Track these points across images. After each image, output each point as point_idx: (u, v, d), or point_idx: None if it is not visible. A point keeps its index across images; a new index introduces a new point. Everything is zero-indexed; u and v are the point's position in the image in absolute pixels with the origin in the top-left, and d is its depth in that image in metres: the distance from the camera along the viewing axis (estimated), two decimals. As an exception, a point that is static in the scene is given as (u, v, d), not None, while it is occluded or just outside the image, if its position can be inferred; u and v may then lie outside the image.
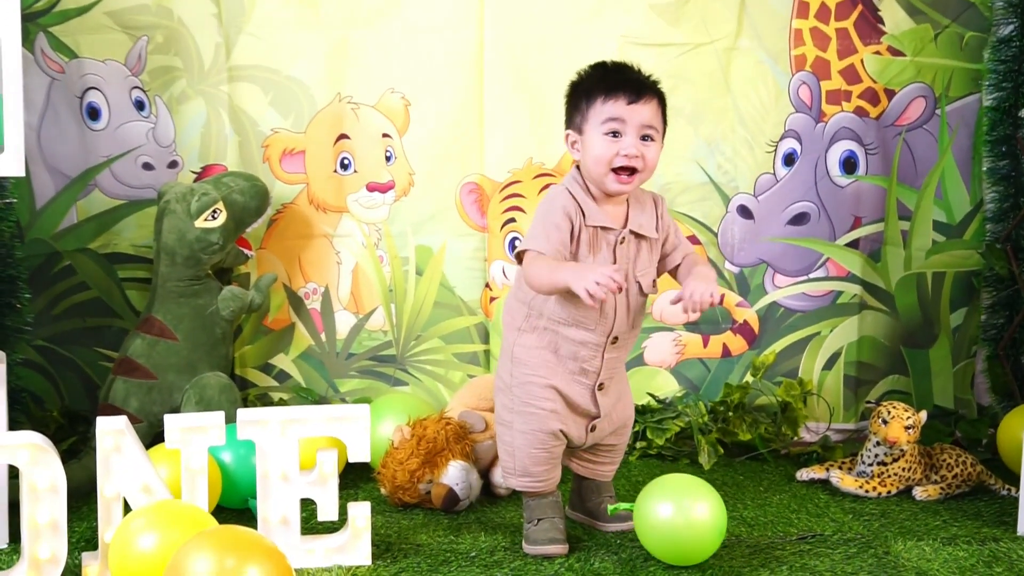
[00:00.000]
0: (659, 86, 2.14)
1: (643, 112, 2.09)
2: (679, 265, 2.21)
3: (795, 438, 2.84)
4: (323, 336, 2.89)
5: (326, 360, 2.90)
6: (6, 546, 2.14)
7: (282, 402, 2.86)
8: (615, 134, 2.08)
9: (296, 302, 2.88)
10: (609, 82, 2.11)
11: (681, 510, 2.02)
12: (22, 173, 2.10)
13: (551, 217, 2.10)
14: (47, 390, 2.82)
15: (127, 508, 1.98)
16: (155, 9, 2.76)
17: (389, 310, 2.89)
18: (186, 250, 2.61)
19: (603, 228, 2.12)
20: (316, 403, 2.83)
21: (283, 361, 2.90)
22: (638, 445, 2.77)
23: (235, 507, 2.34)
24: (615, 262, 2.12)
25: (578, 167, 2.16)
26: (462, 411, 2.55)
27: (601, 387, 2.18)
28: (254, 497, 2.09)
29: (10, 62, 2.06)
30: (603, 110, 2.09)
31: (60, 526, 1.91)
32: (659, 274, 2.22)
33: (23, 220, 2.75)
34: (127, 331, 2.72)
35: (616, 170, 2.09)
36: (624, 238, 2.13)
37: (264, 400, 2.86)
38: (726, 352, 2.92)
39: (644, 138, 2.10)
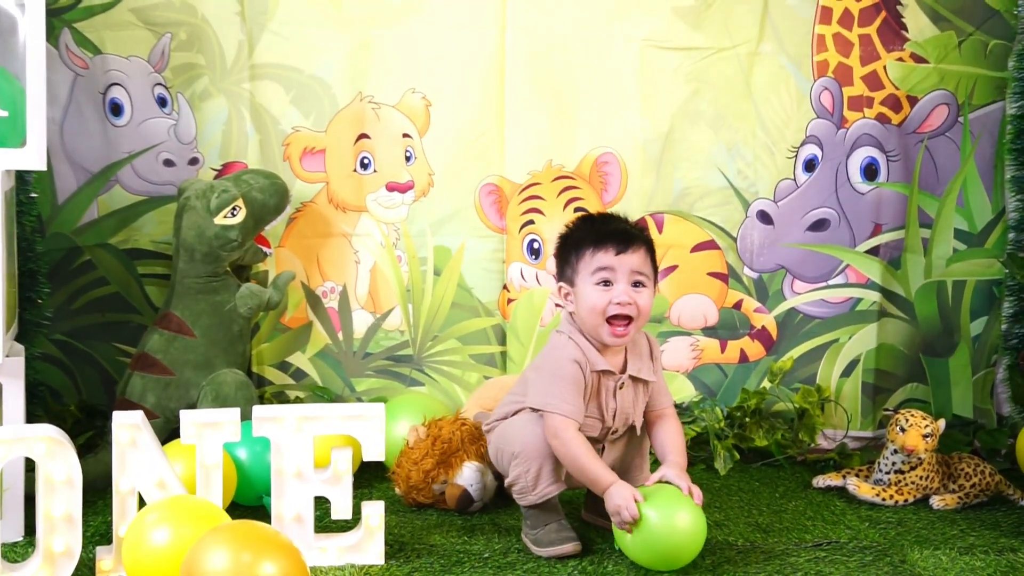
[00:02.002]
0: (646, 234, 2.16)
1: (632, 260, 2.11)
2: (655, 421, 2.24)
3: (812, 445, 2.82)
4: (340, 335, 2.90)
5: (343, 359, 2.90)
6: (21, 539, 2.15)
7: (298, 400, 2.86)
8: (606, 283, 2.10)
9: (314, 301, 2.89)
10: (597, 233, 2.13)
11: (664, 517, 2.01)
12: (43, 167, 2.12)
13: (564, 371, 2.11)
14: (65, 384, 2.83)
15: (142, 503, 1.98)
16: (179, 6, 2.78)
17: (406, 310, 2.90)
18: (205, 247, 2.61)
19: (604, 372, 2.14)
20: (332, 402, 2.83)
21: (300, 359, 2.90)
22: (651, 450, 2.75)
23: (249, 504, 2.34)
24: (616, 407, 2.16)
25: (571, 316, 2.18)
26: (478, 412, 2.55)
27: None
28: (268, 494, 2.09)
29: (34, 57, 2.07)
30: (593, 260, 2.11)
31: (75, 519, 1.91)
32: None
33: (44, 214, 2.76)
34: (145, 327, 2.73)
35: (610, 320, 2.10)
36: (623, 383, 2.16)
37: (280, 398, 2.87)
38: (744, 358, 2.91)
39: (635, 284, 2.11)
